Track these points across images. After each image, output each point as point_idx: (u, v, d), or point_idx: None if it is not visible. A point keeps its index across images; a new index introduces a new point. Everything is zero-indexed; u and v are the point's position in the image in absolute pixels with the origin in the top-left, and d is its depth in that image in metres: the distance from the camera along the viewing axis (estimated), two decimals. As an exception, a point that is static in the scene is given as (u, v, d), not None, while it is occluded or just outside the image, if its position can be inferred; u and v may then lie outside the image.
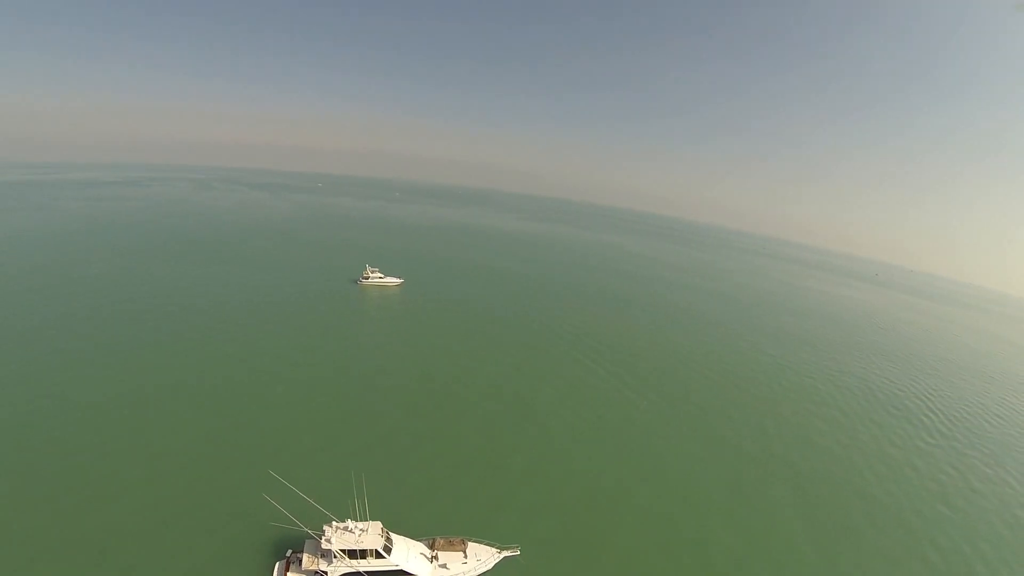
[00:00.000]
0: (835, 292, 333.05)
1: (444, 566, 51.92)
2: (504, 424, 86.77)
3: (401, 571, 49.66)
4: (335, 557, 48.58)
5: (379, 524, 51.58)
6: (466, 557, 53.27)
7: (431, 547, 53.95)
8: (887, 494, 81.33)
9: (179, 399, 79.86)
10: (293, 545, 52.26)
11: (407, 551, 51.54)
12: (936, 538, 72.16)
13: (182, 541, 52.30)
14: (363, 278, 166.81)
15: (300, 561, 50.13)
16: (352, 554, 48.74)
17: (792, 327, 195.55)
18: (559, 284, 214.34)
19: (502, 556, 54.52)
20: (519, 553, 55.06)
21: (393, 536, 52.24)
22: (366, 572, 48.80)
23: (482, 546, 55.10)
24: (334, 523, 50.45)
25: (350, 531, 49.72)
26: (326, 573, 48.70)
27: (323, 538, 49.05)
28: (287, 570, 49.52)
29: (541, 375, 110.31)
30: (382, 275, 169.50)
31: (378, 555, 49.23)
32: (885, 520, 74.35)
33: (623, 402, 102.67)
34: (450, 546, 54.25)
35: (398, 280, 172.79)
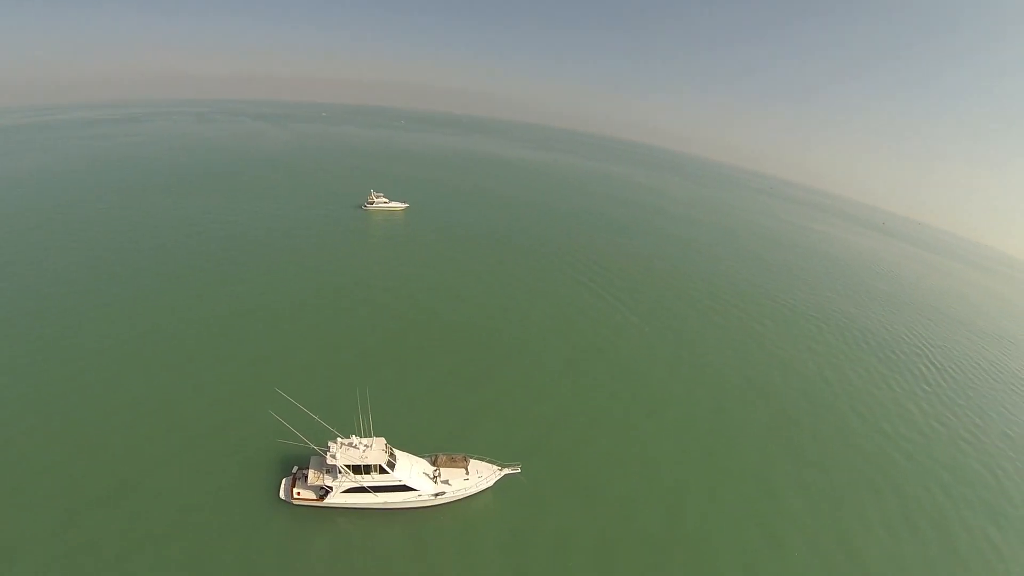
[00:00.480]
0: (839, 236, 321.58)
1: (446, 482, 52.81)
2: (507, 346, 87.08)
3: (404, 486, 50.63)
4: (340, 472, 49.41)
5: (383, 440, 52.20)
6: (467, 474, 54.06)
7: (433, 463, 54.74)
8: (867, 431, 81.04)
9: (187, 325, 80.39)
10: (299, 462, 53.35)
11: (410, 467, 52.35)
12: (908, 474, 72.41)
13: (192, 461, 53.82)
14: (368, 203, 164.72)
15: (306, 477, 51.25)
16: (356, 469, 49.52)
17: (792, 265, 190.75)
18: (563, 211, 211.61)
19: (503, 474, 55.26)
20: (520, 471, 55.78)
21: (396, 452, 53.02)
22: (370, 487, 49.76)
23: (483, 463, 55.84)
24: (339, 439, 51.13)
25: (354, 447, 50.40)
26: (331, 488, 49.76)
27: (328, 454, 49.79)
28: (293, 486, 50.74)
29: (545, 298, 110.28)
30: (387, 200, 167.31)
31: (382, 470, 49.97)
32: (860, 455, 74.66)
33: (625, 327, 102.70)
34: (452, 463, 55.00)
35: (403, 204, 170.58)
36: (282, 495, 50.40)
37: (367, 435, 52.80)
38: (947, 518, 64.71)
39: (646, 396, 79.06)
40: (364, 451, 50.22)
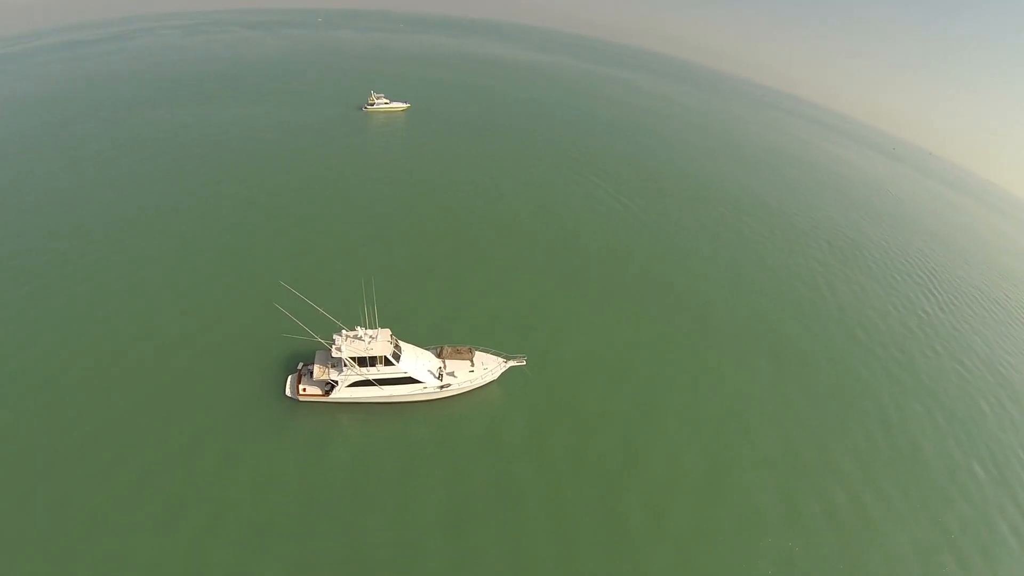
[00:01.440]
0: (846, 156, 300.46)
1: (451, 374, 51.95)
2: (512, 241, 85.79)
3: (409, 378, 49.68)
4: (345, 365, 48.48)
5: (388, 331, 50.86)
6: (473, 365, 53.13)
7: (439, 355, 53.78)
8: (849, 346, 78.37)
9: (187, 224, 79.66)
10: (304, 358, 52.73)
11: (415, 359, 51.32)
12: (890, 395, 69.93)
13: (196, 359, 53.61)
14: (368, 104, 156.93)
15: (311, 373, 50.61)
16: (362, 362, 48.54)
17: (793, 180, 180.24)
18: (571, 111, 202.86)
19: (508, 366, 54.19)
20: (525, 363, 54.52)
21: (402, 344, 51.76)
22: (375, 379, 48.84)
23: (489, 355, 54.66)
24: (344, 332, 49.78)
25: (360, 339, 49.15)
26: (336, 383, 49.03)
27: (333, 347, 48.70)
28: (299, 382, 50.19)
29: (550, 196, 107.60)
30: (387, 100, 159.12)
31: (387, 362, 48.94)
32: (844, 369, 72.59)
33: (632, 223, 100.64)
34: (457, 355, 53.89)
35: (404, 104, 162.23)
36: (288, 392, 49.99)
37: (372, 327, 51.22)
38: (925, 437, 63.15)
39: (650, 291, 78.56)
40: (369, 343, 49.02)
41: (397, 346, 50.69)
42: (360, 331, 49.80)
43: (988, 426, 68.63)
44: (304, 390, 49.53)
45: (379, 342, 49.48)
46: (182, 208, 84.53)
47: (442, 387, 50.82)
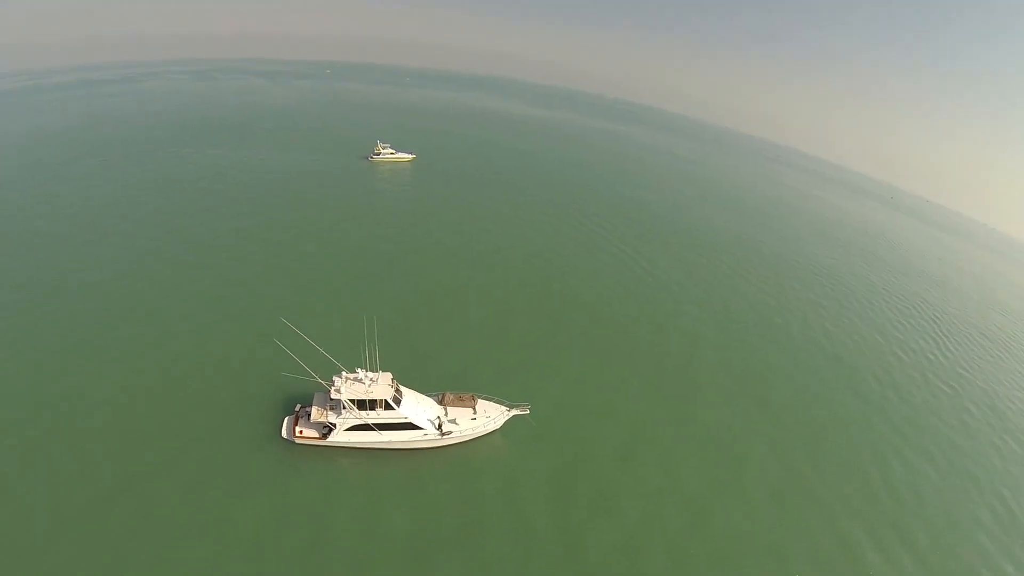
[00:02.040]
0: (843, 204, 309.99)
1: (453, 421, 50.67)
2: (515, 289, 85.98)
3: (409, 424, 48.44)
4: (344, 408, 47.34)
5: (389, 375, 49.87)
6: (475, 413, 51.95)
7: (440, 402, 52.67)
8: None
9: (195, 255, 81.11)
10: (303, 398, 51.48)
11: (416, 404, 50.19)
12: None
13: (194, 394, 52.48)
14: (374, 154, 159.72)
15: (308, 415, 49.33)
16: (361, 405, 47.45)
17: (791, 228, 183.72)
18: (569, 164, 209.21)
19: (512, 414, 53.02)
20: (529, 412, 53.34)
21: (403, 388, 50.72)
22: (374, 424, 47.61)
23: (492, 403, 53.56)
24: (344, 374, 48.79)
25: (360, 381, 48.17)
26: (334, 426, 47.74)
27: (333, 388, 47.55)
28: (296, 424, 48.78)
29: (550, 246, 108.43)
30: (394, 151, 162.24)
31: (387, 406, 47.81)
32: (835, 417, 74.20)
33: (635, 277, 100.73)
34: (460, 402, 52.83)
35: (410, 155, 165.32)
36: (284, 434, 48.52)
37: (373, 370, 50.27)
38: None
39: (652, 338, 77.84)
40: (370, 385, 48.02)
41: (398, 390, 49.62)
42: (361, 373, 48.85)
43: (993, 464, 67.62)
44: (301, 432, 48.01)
45: (380, 385, 48.45)
46: (189, 240, 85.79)
47: (443, 434, 49.43)
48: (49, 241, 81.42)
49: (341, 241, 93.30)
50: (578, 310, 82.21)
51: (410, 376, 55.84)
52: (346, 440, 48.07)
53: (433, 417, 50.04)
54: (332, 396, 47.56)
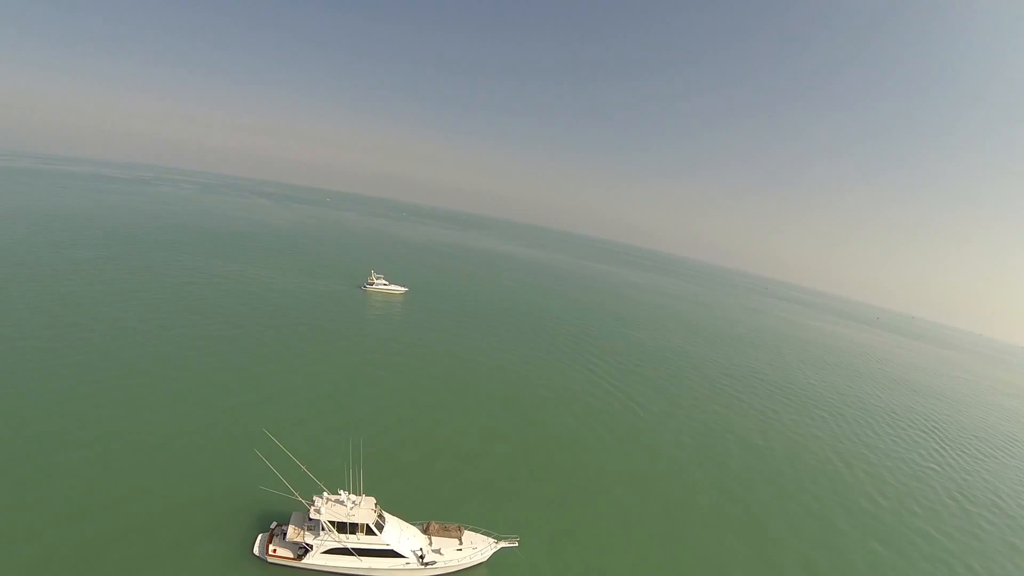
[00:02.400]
0: (833, 329, 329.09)
1: (438, 551, 48.38)
2: (506, 422, 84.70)
3: (391, 551, 46.24)
4: (323, 529, 45.23)
5: (372, 499, 48.38)
6: (461, 544, 49.74)
7: (425, 531, 50.54)
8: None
9: (177, 366, 78.62)
10: (280, 517, 48.92)
11: (399, 532, 48.18)
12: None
13: (167, 502, 49.34)
14: (367, 284, 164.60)
15: (284, 534, 46.73)
16: (341, 528, 45.41)
17: (788, 357, 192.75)
18: (557, 300, 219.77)
19: (499, 547, 50.89)
20: (517, 545, 51.49)
21: (386, 515, 49.02)
22: (354, 549, 45.35)
23: (479, 535, 51.55)
24: (325, 494, 47.28)
25: (342, 503, 46.47)
26: (311, 547, 45.25)
27: (312, 507, 45.74)
28: (270, 542, 46.08)
29: (542, 380, 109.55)
30: (387, 282, 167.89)
31: (369, 531, 45.82)
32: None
33: (621, 408, 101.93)
34: (445, 532, 50.80)
35: (403, 288, 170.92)
36: (256, 551, 45.53)
37: (356, 493, 48.87)
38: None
39: (645, 474, 76.36)
40: (351, 508, 46.32)
41: (381, 516, 47.86)
42: (343, 495, 47.43)
43: None
44: (275, 551, 45.09)
45: (362, 509, 46.82)
46: (176, 340, 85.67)
47: (426, 564, 46.89)
48: (37, 316, 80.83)
49: (333, 362, 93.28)
50: (570, 442, 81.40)
51: (394, 503, 53.98)
52: (323, 564, 45.23)
53: (416, 547, 47.74)
54: (311, 516, 45.66)
